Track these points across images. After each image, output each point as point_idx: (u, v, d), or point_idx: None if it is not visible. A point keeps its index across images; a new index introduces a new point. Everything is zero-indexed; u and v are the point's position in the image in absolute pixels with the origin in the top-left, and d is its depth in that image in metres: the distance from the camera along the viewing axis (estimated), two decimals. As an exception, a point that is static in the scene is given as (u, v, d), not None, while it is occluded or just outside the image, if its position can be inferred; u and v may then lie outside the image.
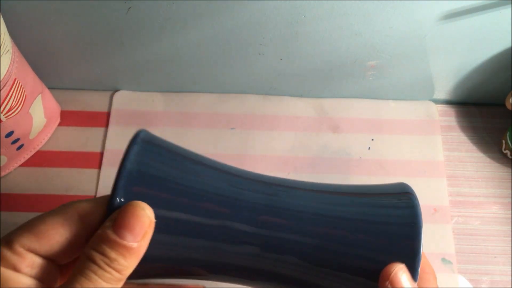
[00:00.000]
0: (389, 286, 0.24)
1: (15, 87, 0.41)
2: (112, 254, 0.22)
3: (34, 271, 0.24)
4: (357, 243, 0.25)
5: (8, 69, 0.39)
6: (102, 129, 0.51)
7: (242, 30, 0.44)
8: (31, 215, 0.26)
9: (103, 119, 0.52)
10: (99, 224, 0.24)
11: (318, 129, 0.52)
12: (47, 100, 0.48)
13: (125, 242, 0.22)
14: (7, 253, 0.23)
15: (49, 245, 0.23)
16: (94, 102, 0.53)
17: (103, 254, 0.22)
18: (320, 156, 0.51)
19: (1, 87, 0.39)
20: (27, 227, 0.24)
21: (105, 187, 0.48)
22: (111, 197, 0.24)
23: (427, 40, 0.45)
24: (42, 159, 0.49)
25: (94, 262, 0.22)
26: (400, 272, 0.24)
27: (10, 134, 0.44)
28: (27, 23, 0.44)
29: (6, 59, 0.39)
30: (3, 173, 0.48)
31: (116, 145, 0.50)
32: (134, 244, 0.22)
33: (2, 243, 0.23)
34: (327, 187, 0.28)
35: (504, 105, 0.49)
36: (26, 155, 0.49)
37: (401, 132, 0.52)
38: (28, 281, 0.23)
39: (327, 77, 0.51)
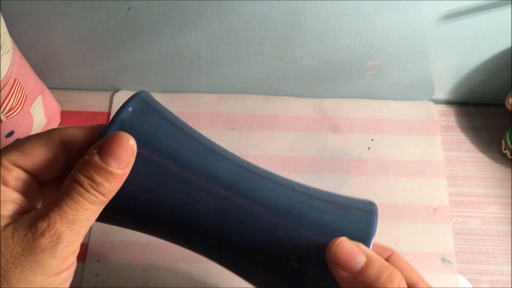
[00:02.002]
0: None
1: (16, 87, 0.41)
2: (98, 179, 0.24)
3: (19, 184, 0.25)
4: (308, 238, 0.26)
5: (9, 69, 0.39)
6: (102, 129, 0.51)
7: (242, 30, 0.44)
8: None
9: (103, 119, 0.52)
10: (80, 148, 0.26)
11: (318, 129, 0.52)
12: (48, 100, 0.48)
13: (110, 168, 0.24)
14: None
15: (32, 162, 0.25)
16: (94, 102, 0.53)
17: (90, 178, 0.24)
18: (320, 156, 0.51)
19: (2, 87, 0.39)
20: (13, 146, 0.25)
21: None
22: (106, 129, 0.26)
23: (427, 40, 0.45)
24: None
25: (81, 185, 0.24)
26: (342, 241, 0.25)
27: (10, 134, 0.44)
28: (27, 23, 0.44)
29: (7, 59, 0.39)
30: (3, 173, 0.48)
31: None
32: (118, 171, 0.24)
33: None
34: (300, 187, 0.30)
35: (504, 105, 0.49)
36: (26, 155, 0.49)
37: (401, 132, 0.52)
38: (14, 195, 0.25)
39: (327, 77, 0.51)
